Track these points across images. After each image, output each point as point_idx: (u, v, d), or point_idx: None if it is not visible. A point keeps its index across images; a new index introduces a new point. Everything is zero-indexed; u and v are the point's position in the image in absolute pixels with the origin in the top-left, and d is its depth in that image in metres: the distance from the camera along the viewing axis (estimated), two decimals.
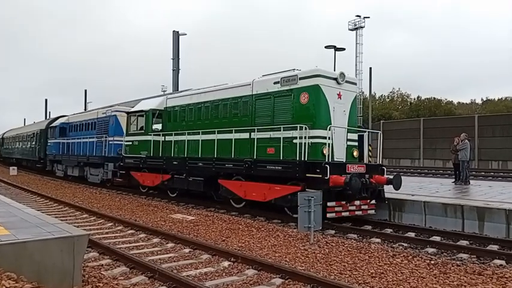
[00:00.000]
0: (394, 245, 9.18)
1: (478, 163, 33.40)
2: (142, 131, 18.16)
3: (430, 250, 8.68)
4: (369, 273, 6.88)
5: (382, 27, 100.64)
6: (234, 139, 13.74)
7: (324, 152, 11.53)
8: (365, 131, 13.38)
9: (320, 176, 10.79)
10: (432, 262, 7.46)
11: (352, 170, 11.60)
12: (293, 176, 11.53)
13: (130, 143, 18.98)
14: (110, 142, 21.46)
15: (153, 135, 17.65)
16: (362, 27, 43.01)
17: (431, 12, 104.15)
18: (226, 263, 7.56)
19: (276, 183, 12.12)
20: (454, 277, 6.61)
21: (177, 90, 34.53)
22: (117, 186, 21.09)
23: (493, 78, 77.51)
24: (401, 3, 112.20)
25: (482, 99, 54.87)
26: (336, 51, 34.73)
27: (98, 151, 22.43)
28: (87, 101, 60.20)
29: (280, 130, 12.26)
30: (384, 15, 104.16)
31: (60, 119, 29.59)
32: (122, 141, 21.30)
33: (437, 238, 9.87)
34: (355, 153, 12.63)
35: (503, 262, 7.79)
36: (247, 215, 13.20)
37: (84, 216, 13.18)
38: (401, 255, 7.98)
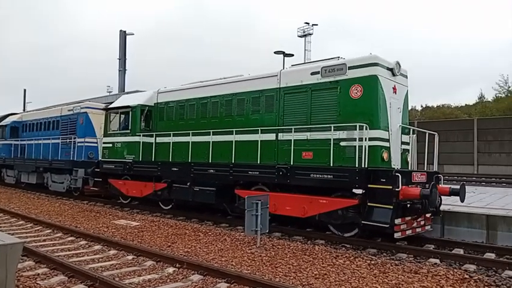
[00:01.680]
0: (337, 247, 9.25)
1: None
2: (128, 131, 15.18)
3: (372, 251, 8.83)
4: (313, 275, 7.04)
5: (333, 36, 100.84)
6: (256, 141, 11.37)
7: (385, 157, 9.48)
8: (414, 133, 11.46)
9: (389, 187, 8.70)
10: (373, 262, 7.75)
11: (417, 179, 9.66)
12: (349, 187, 9.36)
13: (110, 145, 15.89)
14: (80, 144, 18.13)
15: (143, 135, 14.76)
16: (310, 34, 43.05)
17: (375, 22, 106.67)
18: (171, 269, 7.36)
19: (316, 194, 9.95)
20: (392, 276, 6.92)
21: (123, 91, 32.55)
22: (89, 196, 17.88)
23: (431, 87, 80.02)
24: (352, 14, 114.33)
25: (421, 106, 56.99)
26: (285, 57, 34.03)
27: (64, 155, 18.96)
28: (26, 101, 55.09)
29: (321, 131, 10.13)
30: (337, 25, 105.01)
31: (10, 117, 25.32)
32: (94, 143, 18.22)
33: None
34: (409, 159, 10.69)
35: (437, 261, 8.08)
36: (194, 219, 12.95)
37: (20, 223, 12.31)
38: (344, 256, 8.24)
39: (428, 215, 10.09)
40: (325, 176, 9.60)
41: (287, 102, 11.19)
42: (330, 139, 9.92)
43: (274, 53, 34.34)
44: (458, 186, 9.99)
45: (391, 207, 8.65)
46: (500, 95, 46.87)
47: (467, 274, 7.03)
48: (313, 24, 43.12)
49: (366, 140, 9.37)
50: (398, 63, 10.24)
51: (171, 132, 13.73)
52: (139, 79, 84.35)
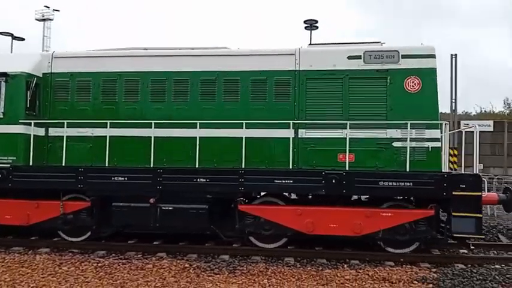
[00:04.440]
0: (63, 253, 8.49)
1: None
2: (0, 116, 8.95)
3: (100, 253, 8.40)
4: None
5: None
6: (265, 138, 8.57)
7: (443, 160, 8.50)
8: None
9: (478, 193, 7.78)
10: (100, 265, 7.60)
11: None
12: (436, 196, 7.89)
13: None
14: None
15: (33, 123, 8.97)
16: (51, 20, 37.79)
17: None
18: None
19: (365, 205, 8.23)
20: (118, 275, 6.98)
21: None
22: None
23: None
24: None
25: None
26: (14, 40, 30.18)
27: None
28: None
29: (366, 128, 8.41)
30: None
31: None
32: None
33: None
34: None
35: (163, 254, 8.18)
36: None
37: None
38: (69, 262, 7.82)
39: None
40: (402, 184, 7.86)
41: (311, 90, 8.79)
42: (381, 138, 8.32)
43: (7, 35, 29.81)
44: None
45: (481, 215, 7.77)
46: None
47: (188, 263, 7.52)
48: (54, 10, 37.62)
49: (429, 141, 8.22)
50: None
51: (108, 121, 8.77)
52: None
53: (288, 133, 8.59)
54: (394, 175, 7.98)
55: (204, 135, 8.57)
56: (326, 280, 6.80)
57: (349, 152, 8.40)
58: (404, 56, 8.59)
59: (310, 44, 9.26)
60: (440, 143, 8.42)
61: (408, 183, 7.86)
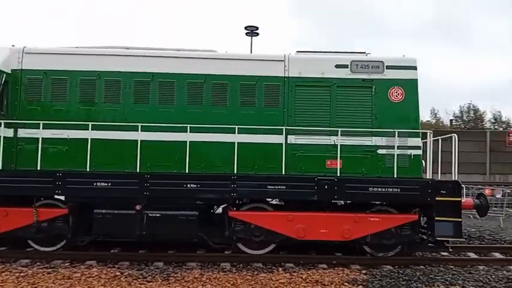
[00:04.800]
0: None
1: None
2: None
3: (24, 262, 7.89)
4: None
5: None
6: (255, 144, 8.55)
7: (427, 167, 8.93)
8: None
9: (458, 199, 8.26)
10: (22, 274, 7.17)
11: None
12: (421, 201, 8.24)
13: None
14: None
15: (4, 124, 8.21)
16: None
17: None
18: None
19: (352, 211, 8.45)
20: (42, 285, 6.67)
21: None
22: None
23: None
24: None
25: None
26: None
27: None
28: None
29: (353, 135, 8.64)
30: None
31: None
32: None
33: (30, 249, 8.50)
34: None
35: (93, 262, 7.84)
36: None
37: None
38: None
39: None
40: (391, 190, 8.14)
41: (300, 97, 8.89)
42: (367, 145, 8.62)
43: None
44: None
45: (461, 219, 8.25)
46: None
47: (119, 271, 7.32)
48: None
49: (411, 149, 8.64)
50: None
51: (90, 123, 8.23)
52: None
53: (277, 139, 8.62)
54: (383, 181, 8.26)
55: (193, 140, 8.33)
56: (261, 284, 6.86)
57: (335, 159, 8.59)
58: (388, 67, 8.94)
59: (298, 51, 9.34)
60: (421, 150, 8.86)
61: (396, 189, 8.16)
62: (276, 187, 8.12)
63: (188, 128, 8.24)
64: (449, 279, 7.29)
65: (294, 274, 7.36)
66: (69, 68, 8.76)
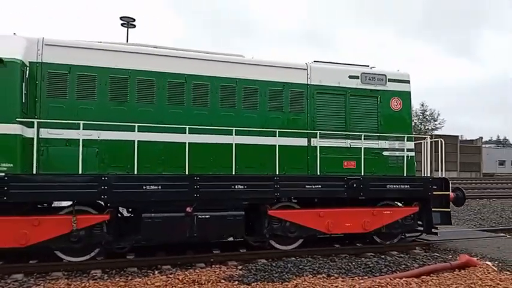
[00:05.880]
0: None
1: None
2: None
3: None
4: None
5: None
6: (286, 146, 9.21)
7: (427, 166, 10.51)
8: None
9: (448, 192, 10.00)
10: None
11: None
12: (424, 195, 9.72)
13: None
14: None
15: (36, 123, 7.38)
16: None
17: None
18: None
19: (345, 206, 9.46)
20: None
21: None
22: None
23: None
24: None
25: None
26: None
27: None
28: None
29: (364, 139, 9.80)
30: None
31: None
32: None
33: None
34: None
35: None
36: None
37: None
38: None
39: None
40: (403, 187, 9.50)
41: (320, 103, 9.75)
42: (375, 148, 9.91)
43: None
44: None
45: (449, 210, 10.01)
46: None
47: None
48: None
49: (408, 151, 10.19)
50: None
51: (135, 125, 7.88)
52: None
53: (303, 142, 9.36)
54: (398, 179, 9.59)
55: (239, 142, 8.61)
56: None
57: (352, 160, 9.71)
58: (390, 80, 10.32)
59: (315, 61, 10.12)
60: (414, 152, 10.44)
61: (407, 186, 9.57)
62: (313, 186, 8.86)
63: (234, 131, 8.48)
64: (316, 268, 7.71)
65: (171, 276, 7.06)
66: (97, 64, 8.23)
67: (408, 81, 10.56)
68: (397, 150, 10.12)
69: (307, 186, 8.83)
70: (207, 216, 8.13)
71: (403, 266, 8.12)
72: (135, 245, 8.35)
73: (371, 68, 10.51)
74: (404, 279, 6.94)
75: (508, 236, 11.10)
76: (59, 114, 7.87)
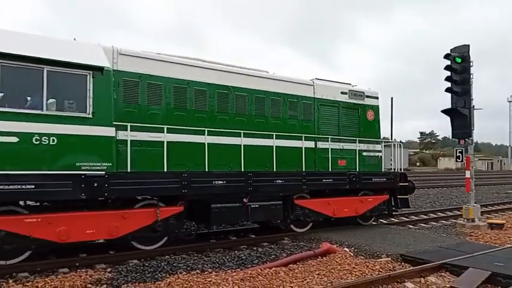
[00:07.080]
0: None
1: None
2: (85, 114, 7.71)
3: None
4: None
5: None
6: (299, 148, 11.33)
7: (398, 163, 13.52)
8: None
9: (406, 184, 13.21)
10: None
11: None
12: (394, 186, 12.69)
13: (15, 139, 6.98)
14: None
15: (130, 127, 8.20)
16: None
17: None
18: None
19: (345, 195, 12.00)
20: None
21: None
22: None
23: None
24: None
25: None
26: None
27: None
28: None
29: (350, 142, 12.50)
30: None
31: None
32: None
33: None
34: None
35: None
36: None
37: None
38: None
39: None
40: (381, 179, 12.38)
41: (321, 113, 12.07)
42: (358, 149, 12.67)
43: None
44: None
45: (408, 196, 13.24)
46: None
47: None
48: None
49: (381, 152, 13.20)
50: None
51: (205, 129, 9.20)
52: None
53: (312, 144, 11.58)
54: (381, 174, 12.43)
55: (278, 145, 10.50)
56: None
57: (343, 159, 12.27)
58: (367, 96, 13.13)
59: (317, 78, 12.33)
60: (382, 153, 13.42)
61: (384, 179, 12.47)
62: (328, 180, 11.16)
63: (274, 135, 10.31)
64: (190, 264, 7.78)
65: (28, 284, 6.44)
66: (162, 74, 9.26)
67: (377, 98, 13.53)
68: (372, 151, 12.96)
69: (323, 180, 11.09)
70: (257, 206, 9.85)
71: (273, 256, 8.64)
72: None
73: (353, 86, 13.20)
74: (273, 268, 7.37)
75: (362, 223, 12.58)
76: (131, 117, 8.74)
